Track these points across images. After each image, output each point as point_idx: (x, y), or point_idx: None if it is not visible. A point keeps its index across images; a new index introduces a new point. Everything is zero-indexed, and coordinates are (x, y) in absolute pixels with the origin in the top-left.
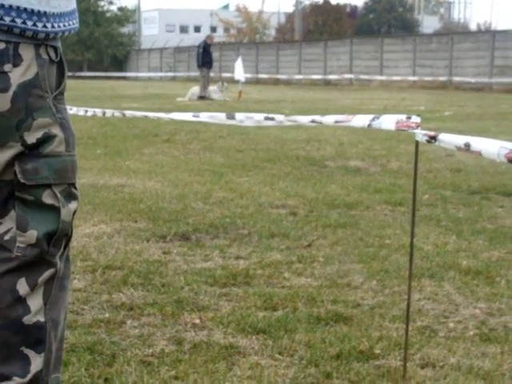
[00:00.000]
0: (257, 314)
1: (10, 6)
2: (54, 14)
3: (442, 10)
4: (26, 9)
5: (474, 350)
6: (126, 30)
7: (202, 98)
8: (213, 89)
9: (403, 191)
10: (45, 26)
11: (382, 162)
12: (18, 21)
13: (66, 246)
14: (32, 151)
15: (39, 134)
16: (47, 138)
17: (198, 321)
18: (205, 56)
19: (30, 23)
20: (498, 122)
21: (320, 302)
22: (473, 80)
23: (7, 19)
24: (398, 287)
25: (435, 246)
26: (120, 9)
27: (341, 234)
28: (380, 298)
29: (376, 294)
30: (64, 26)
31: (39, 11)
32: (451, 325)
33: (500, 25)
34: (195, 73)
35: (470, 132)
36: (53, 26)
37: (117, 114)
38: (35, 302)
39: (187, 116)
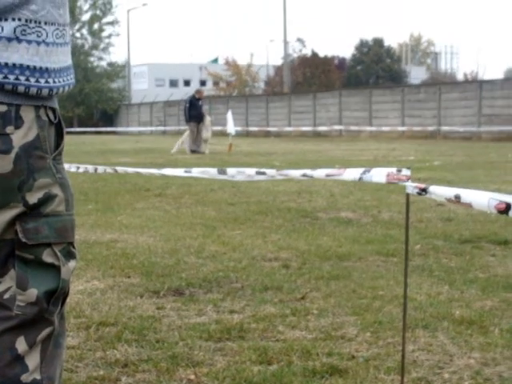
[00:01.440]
0: (252, 368)
1: (14, 65)
2: (54, 69)
3: (429, 61)
4: (28, 66)
5: None
6: (115, 85)
7: (193, 152)
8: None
9: (395, 241)
10: (47, 82)
11: (373, 212)
12: (22, 78)
13: (63, 303)
14: (33, 211)
15: (40, 195)
16: (48, 198)
17: (192, 376)
18: (191, 110)
19: (32, 80)
20: (487, 172)
21: (315, 354)
22: (461, 129)
23: (11, 77)
24: (392, 338)
25: (428, 297)
26: (110, 64)
27: (334, 286)
28: (374, 349)
29: (370, 346)
30: (63, 80)
31: (41, 67)
32: (446, 375)
33: (487, 74)
34: (185, 126)
35: (459, 181)
36: (54, 82)
37: (109, 170)
38: (33, 361)
39: (179, 172)
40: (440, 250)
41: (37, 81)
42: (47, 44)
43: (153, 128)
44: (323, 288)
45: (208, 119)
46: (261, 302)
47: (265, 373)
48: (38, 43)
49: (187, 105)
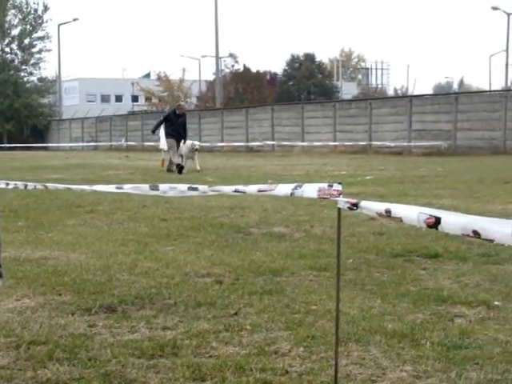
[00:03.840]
0: None
1: None
2: None
3: (359, 76)
4: None
5: None
6: (46, 100)
7: (169, 171)
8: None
9: (328, 256)
10: None
11: (305, 227)
12: None
13: None
14: None
15: None
16: None
17: None
18: (168, 127)
19: None
20: (417, 185)
21: (248, 370)
22: (392, 144)
23: None
24: (325, 353)
25: (361, 310)
26: (40, 79)
27: (267, 301)
28: (308, 364)
29: (304, 361)
30: None
31: None
32: None
33: (417, 89)
34: (117, 142)
35: (391, 196)
36: None
37: (39, 186)
38: None
39: (111, 188)
40: (372, 264)
41: None
42: None
43: (84, 144)
44: (256, 303)
45: (195, 144)
46: (194, 318)
47: None
48: None
49: (161, 118)
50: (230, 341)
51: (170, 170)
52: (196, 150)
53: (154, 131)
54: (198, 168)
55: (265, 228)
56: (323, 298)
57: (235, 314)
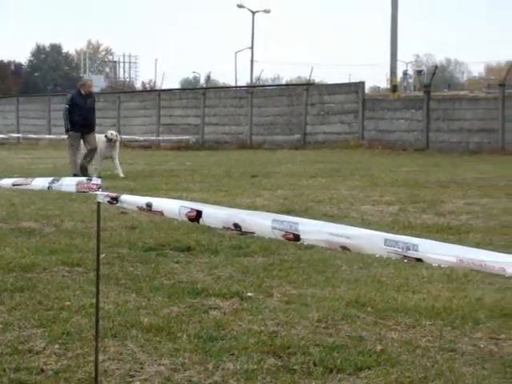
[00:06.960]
0: None
1: None
2: None
3: (107, 69)
4: None
5: None
6: None
7: (75, 175)
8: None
9: (80, 251)
10: None
11: (56, 222)
12: None
13: None
14: None
15: None
16: None
17: None
18: (73, 113)
19: None
20: (167, 179)
21: (1, 370)
22: (141, 138)
23: None
24: (82, 349)
25: (116, 305)
26: None
27: (19, 299)
28: (64, 361)
29: (60, 358)
30: None
31: None
32: None
33: (165, 84)
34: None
35: (142, 189)
36: None
37: None
38: None
39: None
40: (125, 258)
41: None
42: None
43: None
44: (7, 301)
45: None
46: None
47: None
48: None
49: (66, 106)
50: None
51: (84, 169)
52: (112, 141)
53: (68, 130)
54: (122, 174)
55: (13, 223)
56: (77, 293)
57: None
